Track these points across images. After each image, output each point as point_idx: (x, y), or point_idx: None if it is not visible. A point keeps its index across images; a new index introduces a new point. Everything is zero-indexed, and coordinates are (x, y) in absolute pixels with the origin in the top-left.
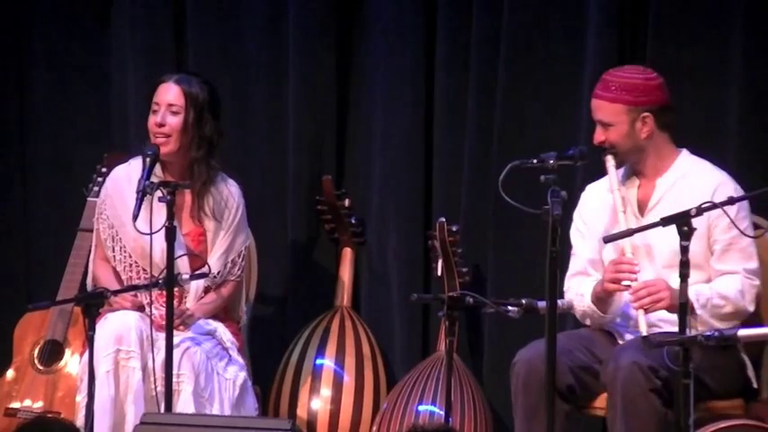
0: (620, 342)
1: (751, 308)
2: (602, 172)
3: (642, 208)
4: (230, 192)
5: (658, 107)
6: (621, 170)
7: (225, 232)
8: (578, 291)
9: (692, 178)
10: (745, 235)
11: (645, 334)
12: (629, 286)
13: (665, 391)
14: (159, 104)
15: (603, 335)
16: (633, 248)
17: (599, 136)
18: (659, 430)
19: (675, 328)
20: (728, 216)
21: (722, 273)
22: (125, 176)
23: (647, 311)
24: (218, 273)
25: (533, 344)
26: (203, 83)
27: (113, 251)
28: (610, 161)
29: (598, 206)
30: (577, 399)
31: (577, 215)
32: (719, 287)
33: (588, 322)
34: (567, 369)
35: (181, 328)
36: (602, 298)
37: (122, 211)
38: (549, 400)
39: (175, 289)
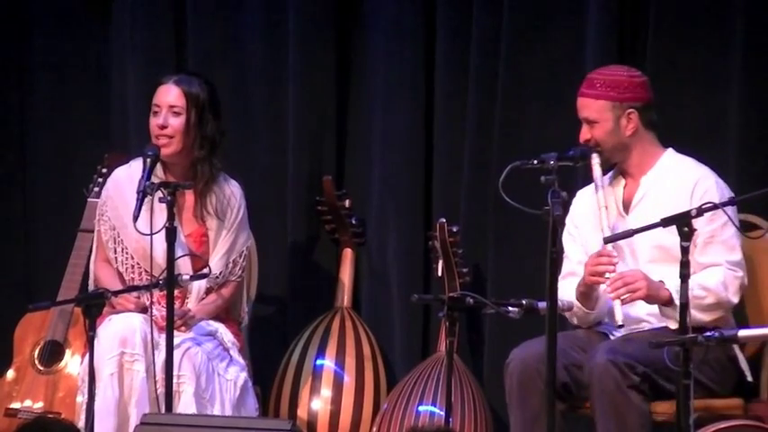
0: None
1: (735, 299)
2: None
3: (627, 206)
4: (232, 191)
5: (642, 104)
6: (610, 173)
7: (227, 231)
8: (565, 292)
9: (673, 174)
10: (737, 228)
11: (620, 323)
12: (607, 278)
13: (645, 387)
14: (160, 106)
15: (598, 335)
16: (616, 245)
17: (584, 134)
18: (643, 425)
19: (663, 324)
20: (727, 214)
21: (705, 266)
22: (126, 177)
23: (623, 302)
24: (220, 273)
25: (526, 343)
26: (203, 83)
27: (115, 252)
28: (595, 159)
29: (587, 211)
30: (573, 398)
31: (569, 219)
32: (701, 279)
33: (575, 321)
34: (561, 367)
35: (182, 329)
36: (585, 293)
37: (124, 212)
38: (549, 400)
39: (177, 290)
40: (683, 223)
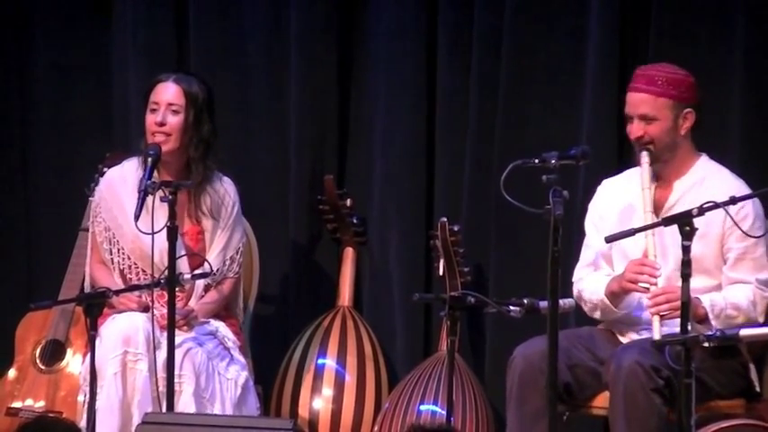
0: (622, 340)
1: (761, 319)
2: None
3: (658, 209)
4: (226, 190)
5: (697, 105)
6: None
7: (222, 230)
8: (590, 285)
9: (710, 184)
10: (749, 236)
11: (658, 339)
12: (647, 289)
13: (667, 391)
14: (159, 103)
15: (604, 334)
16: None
17: (637, 131)
18: (660, 430)
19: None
20: (739, 227)
21: (734, 281)
22: (119, 178)
23: (662, 318)
24: (218, 270)
25: (531, 341)
26: (202, 83)
27: (110, 254)
28: (645, 158)
29: (614, 203)
30: (574, 398)
31: (593, 207)
32: (733, 297)
33: (598, 315)
34: (564, 367)
35: (184, 328)
36: (618, 294)
37: (118, 213)
38: (551, 401)
39: (179, 289)
40: (683, 222)
